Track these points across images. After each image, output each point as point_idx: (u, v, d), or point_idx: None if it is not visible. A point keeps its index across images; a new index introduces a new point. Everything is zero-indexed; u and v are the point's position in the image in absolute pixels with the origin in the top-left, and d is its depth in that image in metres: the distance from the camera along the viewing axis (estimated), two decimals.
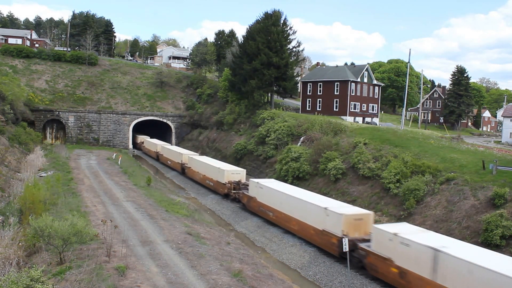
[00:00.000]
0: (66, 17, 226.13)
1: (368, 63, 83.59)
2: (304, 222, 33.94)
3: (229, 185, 49.00)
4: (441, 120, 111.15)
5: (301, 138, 57.53)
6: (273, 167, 56.40)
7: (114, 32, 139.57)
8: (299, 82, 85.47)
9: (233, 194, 48.36)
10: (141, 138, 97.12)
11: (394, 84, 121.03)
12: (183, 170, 65.55)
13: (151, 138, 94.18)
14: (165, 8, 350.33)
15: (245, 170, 51.88)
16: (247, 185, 46.21)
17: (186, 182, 62.13)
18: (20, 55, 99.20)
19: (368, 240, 28.53)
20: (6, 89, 68.59)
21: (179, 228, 31.59)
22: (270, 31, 72.89)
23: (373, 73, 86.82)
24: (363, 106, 77.21)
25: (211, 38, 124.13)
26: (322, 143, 50.78)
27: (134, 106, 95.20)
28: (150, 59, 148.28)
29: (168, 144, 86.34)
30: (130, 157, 79.71)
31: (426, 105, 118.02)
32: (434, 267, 22.30)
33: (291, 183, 47.05)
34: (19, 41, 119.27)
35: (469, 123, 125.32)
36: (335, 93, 75.53)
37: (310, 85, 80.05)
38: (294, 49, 77.43)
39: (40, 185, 35.06)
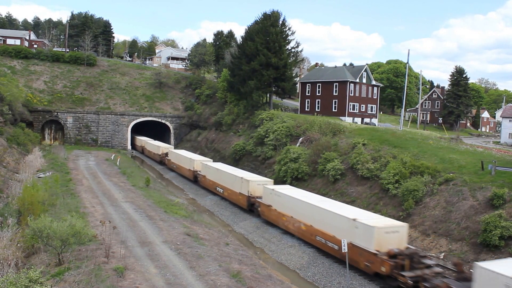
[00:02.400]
0: (64, 17, 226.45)
1: (367, 64, 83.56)
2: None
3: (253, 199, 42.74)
4: (440, 120, 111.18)
5: (300, 139, 57.51)
6: (272, 167, 56.37)
7: (113, 33, 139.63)
8: (298, 83, 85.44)
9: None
10: (141, 140, 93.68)
11: (393, 85, 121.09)
12: (195, 178, 59.75)
13: (154, 140, 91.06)
14: (164, 8, 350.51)
15: (272, 181, 45.01)
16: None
17: (184, 183, 62.06)
18: (19, 55, 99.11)
19: None
20: (5, 89, 68.50)
21: (178, 229, 31.56)
22: (269, 31, 72.89)
23: (372, 73, 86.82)
24: (362, 106, 77.23)
25: (210, 39, 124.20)
26: (321, 144, 50.77)
27: (132, 107, 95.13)
28: (149, 60, 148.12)
29: (171, 146, 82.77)
30: (128, 158, 79.67)
31: (425, 105, 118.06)
32: None
33: (290, 184, 47.03)
34: (18, 42, 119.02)
35: (468, 124, 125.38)
36: (334, 93, 75.54)
37: (308, 85, 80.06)
38: (293, 50, 77.42)
39: (39, 186, 35.00)
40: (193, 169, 59.98)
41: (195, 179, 59.87)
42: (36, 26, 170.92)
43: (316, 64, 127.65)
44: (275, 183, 46.54)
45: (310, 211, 33.29)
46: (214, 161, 62.69)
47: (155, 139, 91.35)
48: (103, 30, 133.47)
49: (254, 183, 42.59)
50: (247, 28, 79.37)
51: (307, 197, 36.27)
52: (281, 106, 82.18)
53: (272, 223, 39.01)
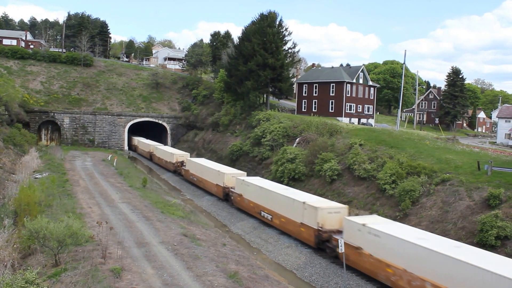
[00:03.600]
0: (61, 18, 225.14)
1: (363, 64, 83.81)
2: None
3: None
4: (437, 121, 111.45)
5: (297, 139, 57.55)
6: (269, 168, 56.37)
7: (110, 33, 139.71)
8: (295, 83, 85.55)
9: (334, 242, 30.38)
10: (151, 146, 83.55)
11: (390, 85, 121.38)
12: (226, 197, 48.67)
13: (164, 145, 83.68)
14: (161, 9, 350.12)
15: (347, 207, 34.27)
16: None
17: (182, 184, 62.01)
18: (15, 56, 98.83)
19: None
20: (1, 90, 68.27)
21: (175, 230, 31.53)
22: (266, 32, 72.95)
23: (368, 74, 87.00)
24: (359, 107, 77.37)
25: (207, 39, 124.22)
26: (317, 144, 50.82)
27: (129, 108, 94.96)
28: (146, 60, 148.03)
29: (187, 154, 70.55)
30: (125, 158, 79.56)
31: (422, 106, 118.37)
32: None
33: (287, 184, 47.03)
34: (14, 42, 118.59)
35: (464, 124, 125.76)
36: (331, 94, 75.67)
37: (305, 86, 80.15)
38: (289, 50, 77.52)
39: (35, 186, 34.91)
40: (223, 185, 48.72)
41: (225, 197, 48.84)
42: (33, 26, 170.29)
43: (313, 65, 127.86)
44: None
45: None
46: (214, 161, 62.61)
47: (153, 140, 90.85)
48: (100, 30, 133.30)
49: (324, 211, 33.89)
50: (244, 28, 79.52)
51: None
52: (278, 107, 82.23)
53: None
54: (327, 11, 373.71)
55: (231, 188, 47.19)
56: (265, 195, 39.59)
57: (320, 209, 31.52)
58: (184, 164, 65.29)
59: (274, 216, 37.73)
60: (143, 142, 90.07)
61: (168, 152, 72.13)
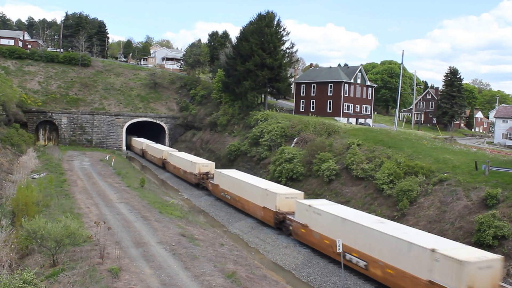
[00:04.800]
0: (59, 18, 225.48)
1: (361, 64, 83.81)
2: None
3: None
4: (434, 121, 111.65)
5: (295, 139, 57.59)
6: (267, 168, 56.40)
7: (107, 33, 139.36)
8: (293, 83, 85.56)
9: None
10: (163, 152, 72.81)
11: (388, 85, 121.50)
12: (279, 223, 37.19)
13: (178, 151, 72.17)
14: (159, 9, 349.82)
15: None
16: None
17: (180, 184, 61.95)
18: (12, 56, 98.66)
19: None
20: None
21: (173, 230, 31.53)
22: (264, 32, 72.96)
23: (366, 74, 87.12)
24: (357, 107, 77.46)
25: (205, 39, 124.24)
26: (315, 144, 50.86)
27: (127, 108, 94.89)
28: (144, 60, 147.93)
29: (212, 163, 58.88)
30: (123, 158, 79.43)
31: (419, 106, 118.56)
32: None
33: (285, 184, 47.08)
34: (11, 42, 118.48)
35: (462, 124, 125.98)
36: (329, 94, 75.74)
37: (303, 86, 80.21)
38: (287, 50, 77.56)
39: (33, 187, 34.79)
40: (276, 209, 37.18)
41: (278, 223, 37.40)
42: (30, 26, 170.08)
43: (311, 65, 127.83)
44: None
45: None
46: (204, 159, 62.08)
47: (152, 141, 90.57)
48: (98, 30, 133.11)
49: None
50: (242, 28, 79.55)
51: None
52: (276, 107, 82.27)
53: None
54: (325, 11, 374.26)
55: (288, 214, 36.30)
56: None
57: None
58: (210, 176, 55.43)
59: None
60: (152, 147, 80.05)
61: (188, 160, 60.29)
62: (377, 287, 26.39)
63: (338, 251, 26.87)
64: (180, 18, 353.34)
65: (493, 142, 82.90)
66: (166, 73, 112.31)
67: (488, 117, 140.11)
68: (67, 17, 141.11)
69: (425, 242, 23.60)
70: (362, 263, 27.08)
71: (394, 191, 37.19)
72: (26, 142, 70.00)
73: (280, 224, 37.14)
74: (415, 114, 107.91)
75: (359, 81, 77.93)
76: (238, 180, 45.30)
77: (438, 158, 40.44)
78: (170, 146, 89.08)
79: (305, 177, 49.22)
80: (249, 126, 68.63)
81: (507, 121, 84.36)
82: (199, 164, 57.41)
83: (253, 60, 71.27)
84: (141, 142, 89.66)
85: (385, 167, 39.87)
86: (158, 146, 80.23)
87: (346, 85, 74.78)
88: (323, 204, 33.18)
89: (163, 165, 72.33)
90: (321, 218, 31.07)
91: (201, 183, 56.21)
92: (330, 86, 75.54)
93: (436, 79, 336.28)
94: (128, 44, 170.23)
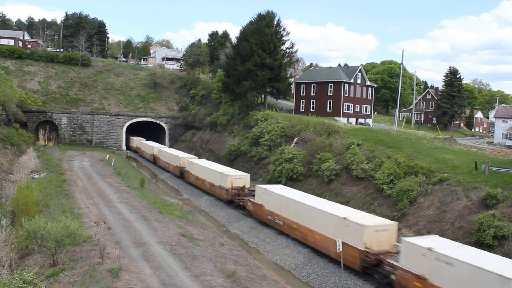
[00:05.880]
0: (58, 18, 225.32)
1: (361, 64, 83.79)
2: None
3: None
4: (434, 121, 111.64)
5: (295, 139, 57.60)
6: (267, 168, 56.43)
7: (107, 33, 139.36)
8: (293, 83, 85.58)
9: None
10: (181, 159, 63.48)
11: (387, 85, 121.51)
12: (369, 268, 27.13)
13: (199, 159, 63.30)
14: (159, 9, 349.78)
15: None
16: None
17: (180, 184, 61.92)
18: (12, 56, 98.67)
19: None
20: None
21: (173, 230, 31.53)
22: (264, 32, 72.98)
23: (366, 74, 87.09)
24: (357, 107, 77.46)
25: (205, 39, 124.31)
26: (315, 144, 50.87)
27: (127, 108, 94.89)
28: (143, 60, 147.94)
29: (247, 175, 48.97)
30: (123, 158, 79.41)
31: (419, 106, 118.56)
32: None
33: (285, 184, 47.07)
34: (11, 42, 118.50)
35: (462, 124, 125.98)
36: (329, 94, 75.74)
37: (303, 86, 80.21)
38: (287, 50, 77.60)
39: (33, 186, 34.80)
40: (364, 248, 27.23)
41: (367, 267, 27.31)
42: (30, 26, 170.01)
43: (311, 65, 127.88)
44: (271, 183, 47.35)
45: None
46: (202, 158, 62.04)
47: (151, 140, 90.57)
48: (98, 30, 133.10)
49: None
50: (242, 28, 79.60)
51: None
52: (276, 107, 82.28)
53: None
54: (324, 11, 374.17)
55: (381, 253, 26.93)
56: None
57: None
58: (248, 191, 45.54)
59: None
60: (166, 152, 70.98)
61: (215, 171, 50.50)
62: (377, 287, 26.40)
63: (338, 251, 26.91)
64: (180, 18, 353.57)
65: (493, 142, 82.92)
66: (166, 73, 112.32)
67: (488, 117, 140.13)
68: (67, 17, 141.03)
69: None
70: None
71: (394, 191, 37.19)
72: (26, 142, 70.00)
73: (372, 268, 26.70)
74: (415, 114, 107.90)
75: (359, 81, 77.94)
76: (295, 202, 34.97)
77: (438, 158, 40.44)
78: (170, 146, 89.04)
79: (305, 177, 49.23)
80: (249, 126, 68.64)
81: (507, 121, 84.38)
82: (231, 176, 46.90)
83: (253, 60, 71.28)
84: (152, 147, 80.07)
85: (385, 167, 39.87)
86: (174, 151, 70.50)
87: (346, 85, 74.78)
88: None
89: (181, 174, 62.81)
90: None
91: (236, 200, 45.67)
92: (330, 86, 75.55)
93: (436, 79, 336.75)
94: (128, 44, 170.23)
